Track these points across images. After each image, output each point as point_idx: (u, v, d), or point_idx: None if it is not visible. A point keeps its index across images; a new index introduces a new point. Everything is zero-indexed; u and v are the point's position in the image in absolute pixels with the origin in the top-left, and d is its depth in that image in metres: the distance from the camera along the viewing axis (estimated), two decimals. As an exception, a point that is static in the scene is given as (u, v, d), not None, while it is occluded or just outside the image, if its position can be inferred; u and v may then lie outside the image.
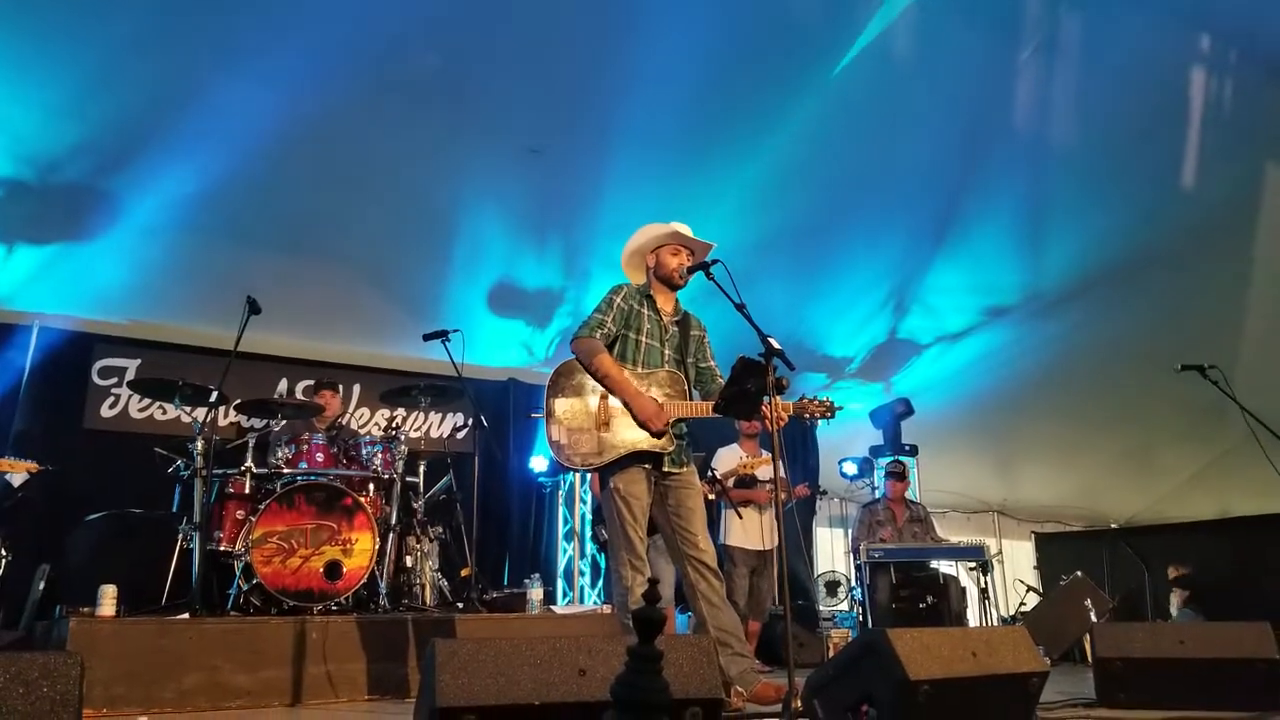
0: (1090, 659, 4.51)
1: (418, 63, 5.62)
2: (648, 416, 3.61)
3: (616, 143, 6.18)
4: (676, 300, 4.00)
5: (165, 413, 6.31)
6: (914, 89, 6.52)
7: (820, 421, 3.87)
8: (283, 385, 6.80)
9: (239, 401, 5.69)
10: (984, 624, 6.49)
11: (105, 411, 6.31)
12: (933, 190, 7.18)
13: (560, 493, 7.64)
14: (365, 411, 7.18)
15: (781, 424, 3.66)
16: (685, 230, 3.88)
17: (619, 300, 3.80)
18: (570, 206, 6.55)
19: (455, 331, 5.62)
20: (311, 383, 6.50)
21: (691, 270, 3.83)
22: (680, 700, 2.01)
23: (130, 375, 6.30)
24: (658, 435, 3.62)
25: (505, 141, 6.15)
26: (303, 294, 6.52)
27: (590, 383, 3.71)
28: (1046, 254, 7.75)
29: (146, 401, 6.33)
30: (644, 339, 3.81)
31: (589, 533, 7.35)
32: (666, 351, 3.85)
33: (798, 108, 6.46)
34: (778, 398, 3.59)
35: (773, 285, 7.29)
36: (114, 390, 6.31)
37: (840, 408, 3.84)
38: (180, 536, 4.89)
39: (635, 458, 3.63)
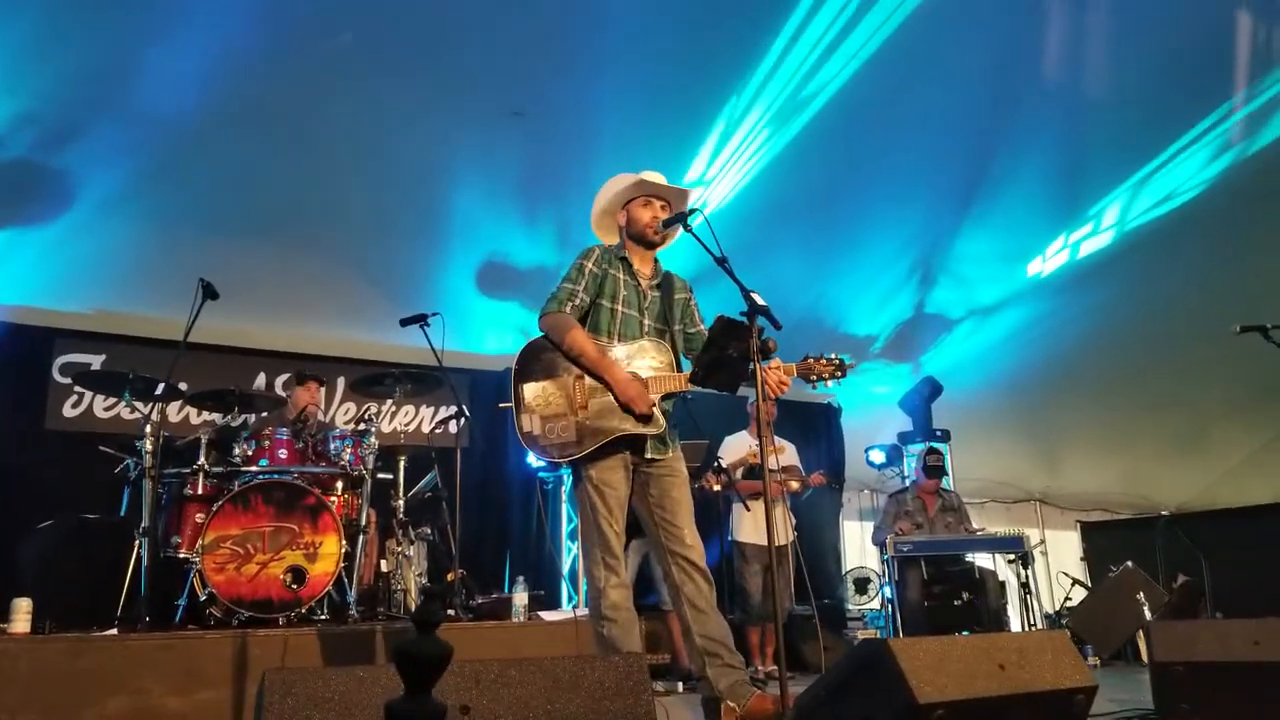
0: (1145, 659, 3.96)
1: (386, 23, 5.16)
2: (631, 398, 3.12)
3: (607, 101, 5.67)
4: (655, 261, 3.50)
5: (133, 411, 5.91)
6: (937, 38, 5.95)
7: (832, 384, 3.29)
8: (261, 379, 6.37)
9: (189, 394, 5.26)
10: (1025, 622, 5.90)
11: (68, 411, 5.93)
12: (959, 148, 6.60)
13: (563, 489, 7.13)
14: (351, 406, 6.72)
15: (784, 389, 3.16)
16: (655, 177, 3.38)
17: (590, 265, 3.31)
18: (560, 174, 6.01)
19: (434, 315, 5.16)
20: (291, 375, 6.08)
21: (668, 223, 3.35)
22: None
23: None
24: (644, 419, 3.13)
25: (485, 105, 5.66)
26: (277, 279, 6.10)
27: (563, 361, 3.23)
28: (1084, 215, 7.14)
29: (112, 400, 5.95)
30: (620, 307, 3.32)
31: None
32: (646, 320, 3.36)
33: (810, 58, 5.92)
34: (775, 361, 3.08)
35: (786, 257, 6.75)
36: (76, 389, 5.92)
37: (852, 364, 3.28)
38: (136, 543, 4.49)
39: (615, 444, 3.15)
